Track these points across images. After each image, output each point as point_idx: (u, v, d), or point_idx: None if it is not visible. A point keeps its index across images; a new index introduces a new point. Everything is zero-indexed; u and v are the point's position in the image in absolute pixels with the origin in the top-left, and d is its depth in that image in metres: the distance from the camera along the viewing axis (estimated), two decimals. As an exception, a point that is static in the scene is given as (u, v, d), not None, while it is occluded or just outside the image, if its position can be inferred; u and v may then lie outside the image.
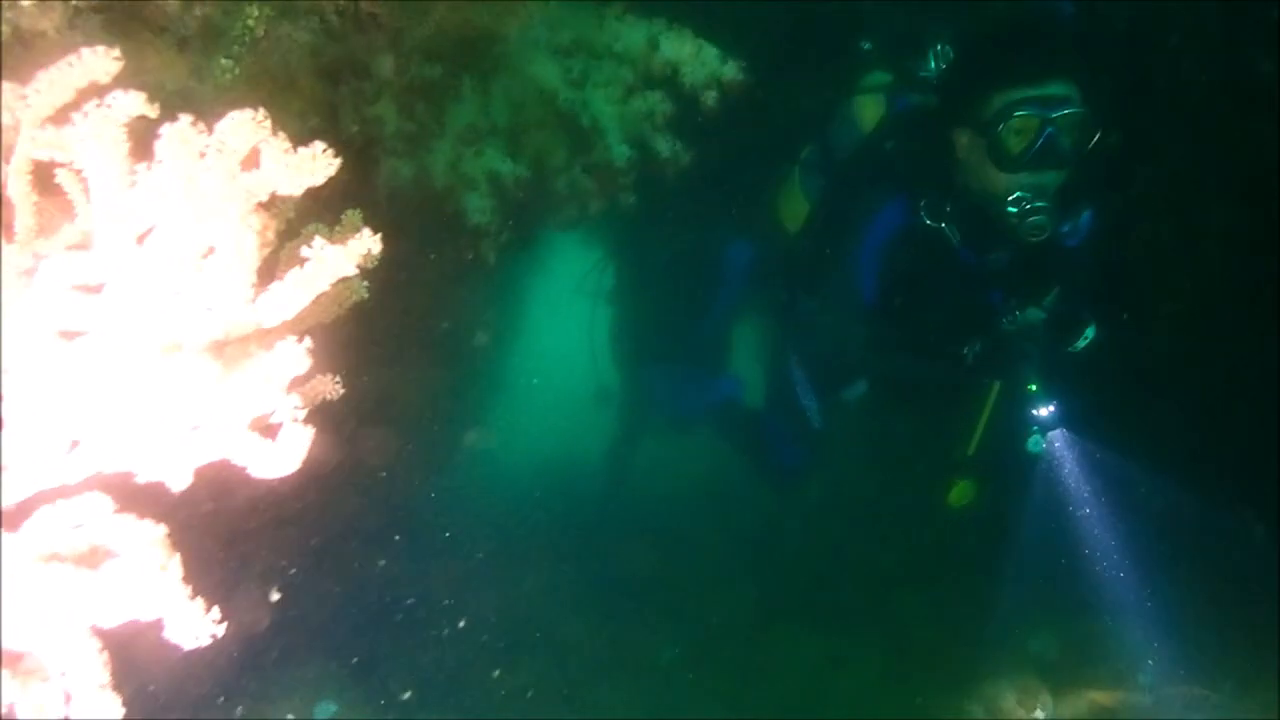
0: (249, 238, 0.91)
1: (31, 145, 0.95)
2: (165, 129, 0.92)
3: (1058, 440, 3.55)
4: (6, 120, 0.95)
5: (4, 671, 0.87)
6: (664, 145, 2.92)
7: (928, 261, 3.52)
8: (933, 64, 3.69)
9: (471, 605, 4.15)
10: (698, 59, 2.82)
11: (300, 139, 2.24)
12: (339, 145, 2.38)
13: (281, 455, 0.93)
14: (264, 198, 0.94)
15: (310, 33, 2.12)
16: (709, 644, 4.79)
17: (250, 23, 2.01)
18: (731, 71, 2.89)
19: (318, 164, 0.92)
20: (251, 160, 0.94)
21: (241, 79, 2.04)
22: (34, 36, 1.50)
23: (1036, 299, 3.64)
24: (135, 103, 0.92)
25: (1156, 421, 4.00)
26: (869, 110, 3.77)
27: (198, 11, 1.81)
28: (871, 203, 3.61)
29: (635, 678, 4.69)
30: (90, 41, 1.57)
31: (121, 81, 1.60)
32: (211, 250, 0.94)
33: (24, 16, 1.47)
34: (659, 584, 5.03)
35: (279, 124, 2.06)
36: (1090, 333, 3.56)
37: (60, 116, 0.96)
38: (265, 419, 0.95)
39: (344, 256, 0.93)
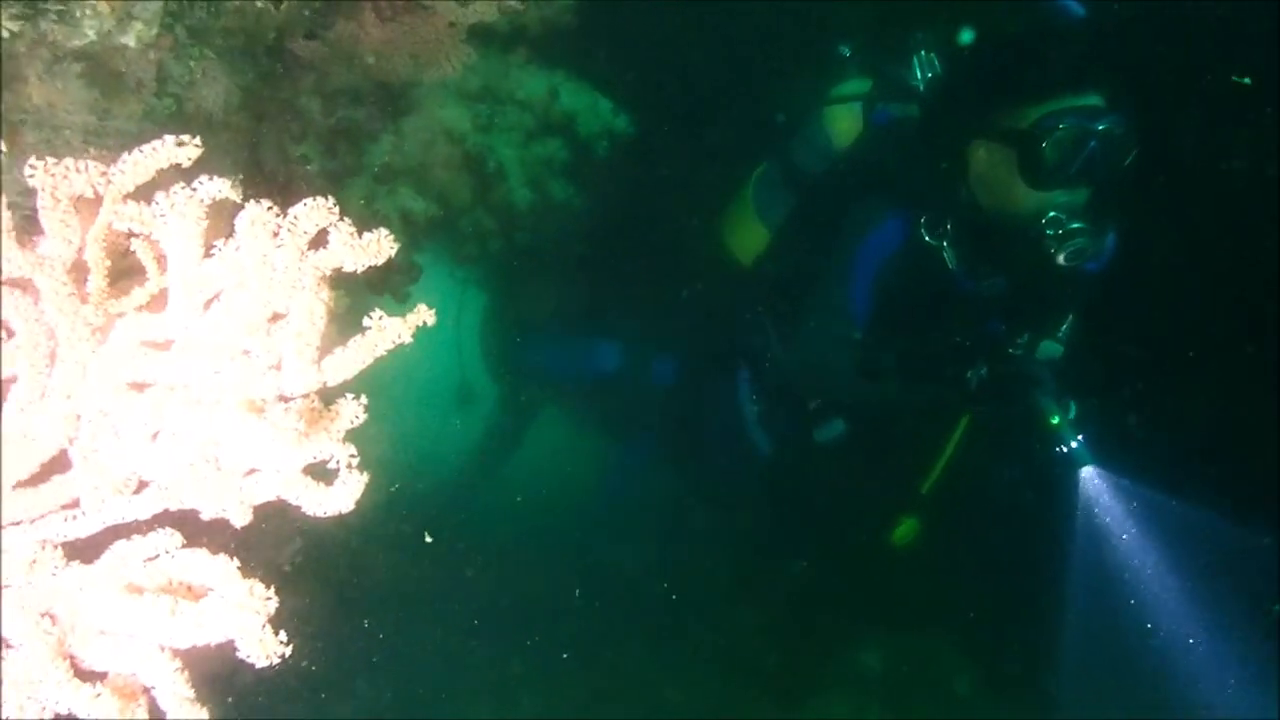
0: (320, 309, 1.05)
1: (113, 218, 1.06)
2: (245, 212, 1.06)
3: (1093, 479, 3.19)
4: (87, 193, 1.06)
5: (94, 687, 0.99)
6: (560, 189, 3.12)
7: (926, 282, 3.27)
8: (919, 72, 3.42)
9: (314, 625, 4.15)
10: (593, 110, 3.04)
11: (225, 174, 2.35)
12: (262, 180, 2.48)
13: (338, 497, 1.07)
14: (329, 273, 1.08)
15: (245, 74, 2.21)
16: (552, 661, 4.92)
17: (192, 64, 2.09)
18: (623, 124, 3.12)
19: (382, 246, 1.07)
20: (319, 239, 1.09)
21: (176, 116, 2.12)
22: (17, 83, 1.57)
23: (1049, 330, 3.33)
24: (220, 188, 1.06)
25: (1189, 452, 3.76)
26: (844, 122, 3.51)
27: (152, 56, 1.89)
28: (866, 219, 3.33)
29: (481, 694, 4.80)
30: (67, 88, 1.66)
31: (94, 127, 1.69)
32: (278, 316, 1.08)
33: (10, 63, 1.54)
34: (501, 600, 5.09)
35: (206, 160, 2.19)
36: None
37: (141, 194, 1.08)
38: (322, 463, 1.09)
39: (403, 327, 1.08)
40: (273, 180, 2.45)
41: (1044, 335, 3.32)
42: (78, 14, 1.60)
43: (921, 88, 3.39)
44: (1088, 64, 3.01)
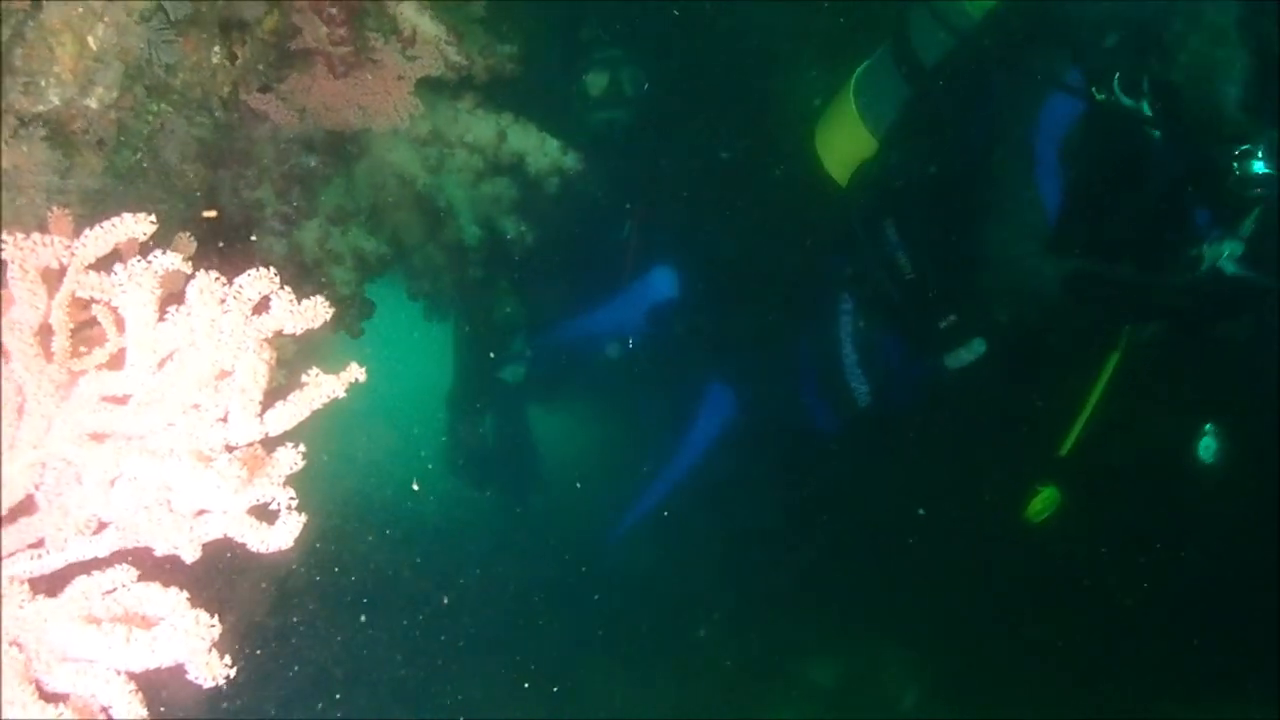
0: (263, 367, 1.19)
1: (76, 286, 1.19)
2: (194, 282, 1.19)
3: None
4: (53, 265, 1.19)
5: (57, 708, 1.11)
6: (510, 226, 3.26)
7: (1123, 155, 2.70)
8: None
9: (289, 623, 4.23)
10: (541, 150, 3.18)
11: (183, 220, 2.48)
12: (218, 223, 2.61)
13: (279, 535, 1.20)
14: (270, 335, 1.22)
15: (202, 126, 2.34)
16: (518, 677, 5.02)
17: (150, 118, 2.22)
18: (571, 161, 3.26)
19: (318, 312, 1.21)
20: (261, 305, 1.22)
21: (136, 169, 2.24)
22: (-14, 147, 1.69)
23: (1238, 222, 2.70)
24: (173, 261, 1.19)
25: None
26: None
27: (113, 115, 2.01)
28: (1027, 93, 2.79)
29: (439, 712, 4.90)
30: (32, 150, 1.78)
31: (56, 186, 1.81)
32: (225, 374, 1.21)
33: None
34: (469, 611, 5.17)
35: (164, 207, 2.31)
36: None
37: (101, 264, 1.21)
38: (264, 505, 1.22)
39: (337, 383, 1.21)
40: (229, 222, 2.58)
41: (1231, 231, 2.73)
42: (42, 83, 1.72)
43: None
44: None
